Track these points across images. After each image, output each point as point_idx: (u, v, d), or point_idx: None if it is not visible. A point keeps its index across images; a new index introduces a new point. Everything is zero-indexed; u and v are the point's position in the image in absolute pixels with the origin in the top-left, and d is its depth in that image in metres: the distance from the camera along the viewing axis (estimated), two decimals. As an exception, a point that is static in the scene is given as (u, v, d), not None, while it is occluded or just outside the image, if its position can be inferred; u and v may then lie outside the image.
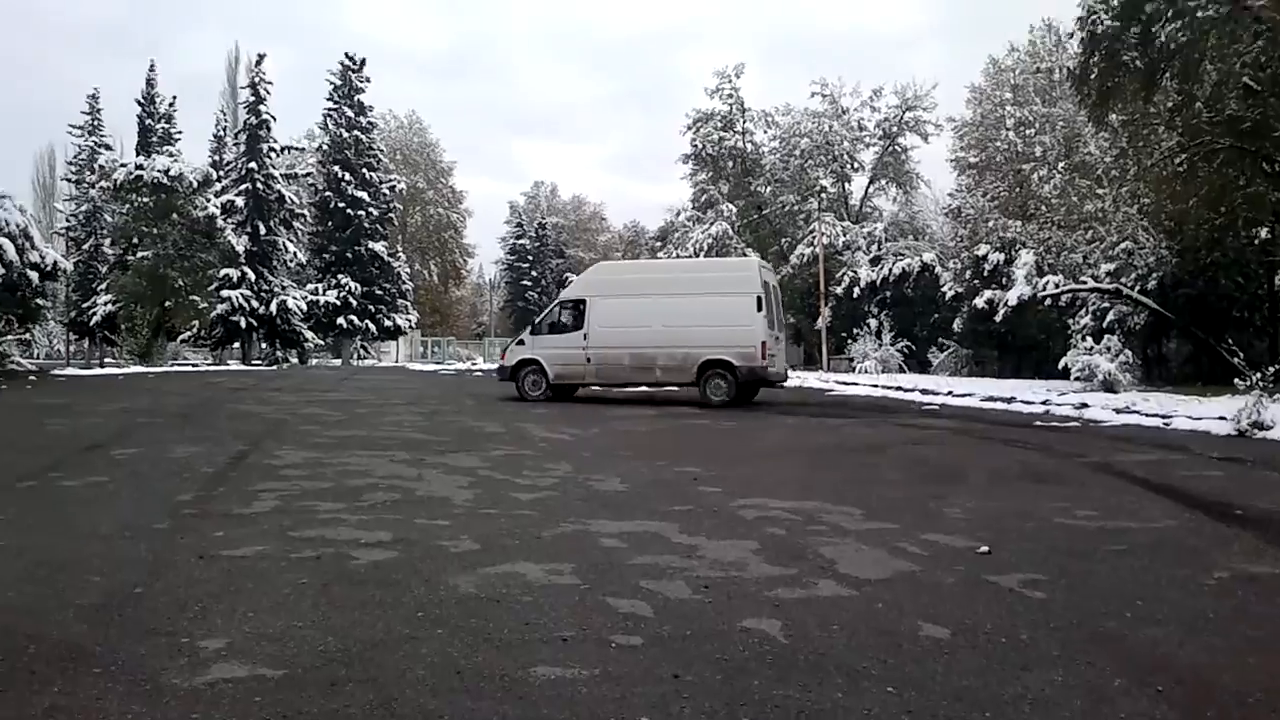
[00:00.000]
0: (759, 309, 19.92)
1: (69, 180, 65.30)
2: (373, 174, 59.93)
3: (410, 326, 61.70)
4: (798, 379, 31.80)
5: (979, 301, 35.55)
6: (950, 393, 23.12)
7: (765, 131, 58.03)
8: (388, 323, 59.01)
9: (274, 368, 43.87)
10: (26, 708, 3.64)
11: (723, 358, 20.05)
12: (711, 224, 52.58)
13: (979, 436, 14.13)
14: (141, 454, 10.92)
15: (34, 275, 28.10)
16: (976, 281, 37.17)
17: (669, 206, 61.63)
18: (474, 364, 51.32)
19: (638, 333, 20.50)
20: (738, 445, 13.12)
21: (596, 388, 21.88)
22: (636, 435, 14.16)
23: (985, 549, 6.29)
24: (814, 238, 47.69)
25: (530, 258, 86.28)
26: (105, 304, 49.62)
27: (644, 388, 21.94)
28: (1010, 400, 20.87)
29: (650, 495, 8.41)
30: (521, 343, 21.77)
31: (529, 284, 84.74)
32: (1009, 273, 34.68)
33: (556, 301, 22.52)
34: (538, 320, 22.21)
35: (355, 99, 60.05)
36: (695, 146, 57.04)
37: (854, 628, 4.70)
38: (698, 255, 51.23)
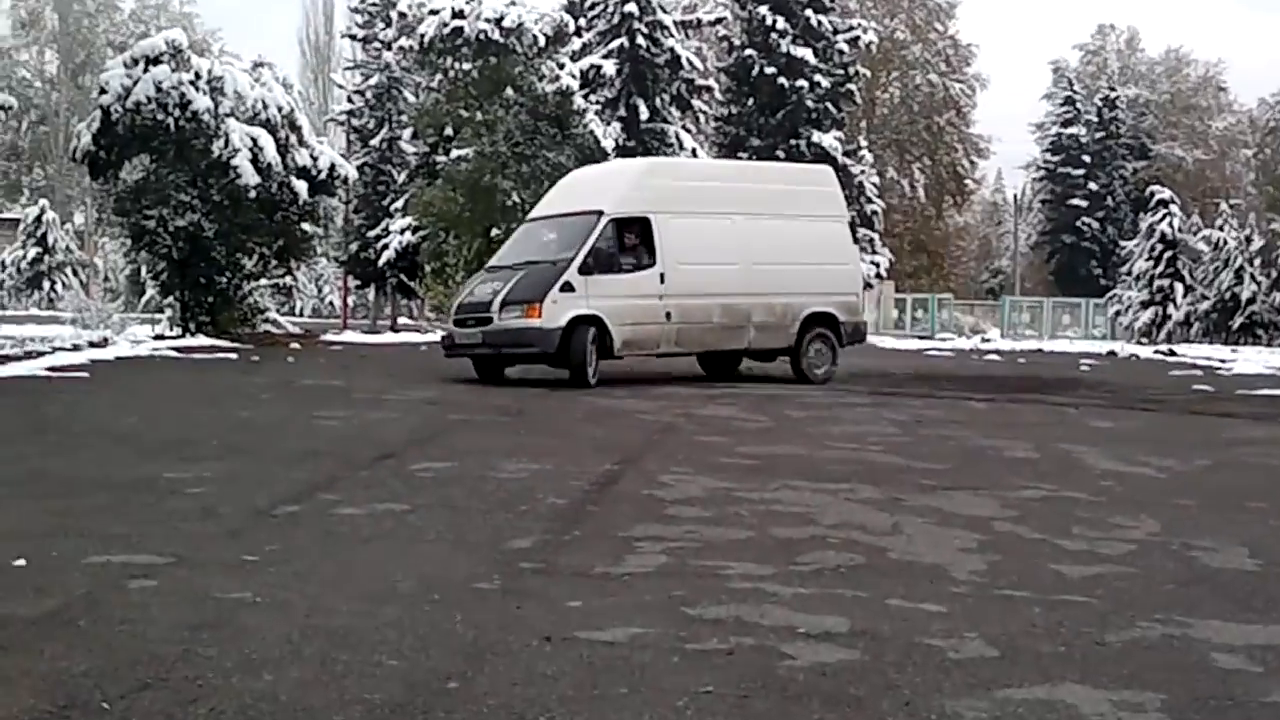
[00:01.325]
0: (853, 239, 22.43)
1: (351, 38, 70.88)
2: (822, 19, 60.73)
3: (880, 274, 62.03)
4: None
5: None
6: None
7: None
8: (839, 264, 59.94)
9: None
10: None
11: (827, 310, 21.66)
12: None
13: None
14: (455, 470, 11.71)
15: (301, 186, 29.44)
16: None
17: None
18: (985, 339, 51.30)
19: (724, 273, 21.16)
20: None
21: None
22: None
23: None
24: None
25: (1087, 159, 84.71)
26: (401, 232, 52.80)
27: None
28: None
29: (1303, 580, 8.08)
30: (568, 288, 20.29)
31: (1082, 203, 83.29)
32: None
33: (604, 220, 20.94)
34: (571, 252, 20.77)
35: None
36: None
37: None
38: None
